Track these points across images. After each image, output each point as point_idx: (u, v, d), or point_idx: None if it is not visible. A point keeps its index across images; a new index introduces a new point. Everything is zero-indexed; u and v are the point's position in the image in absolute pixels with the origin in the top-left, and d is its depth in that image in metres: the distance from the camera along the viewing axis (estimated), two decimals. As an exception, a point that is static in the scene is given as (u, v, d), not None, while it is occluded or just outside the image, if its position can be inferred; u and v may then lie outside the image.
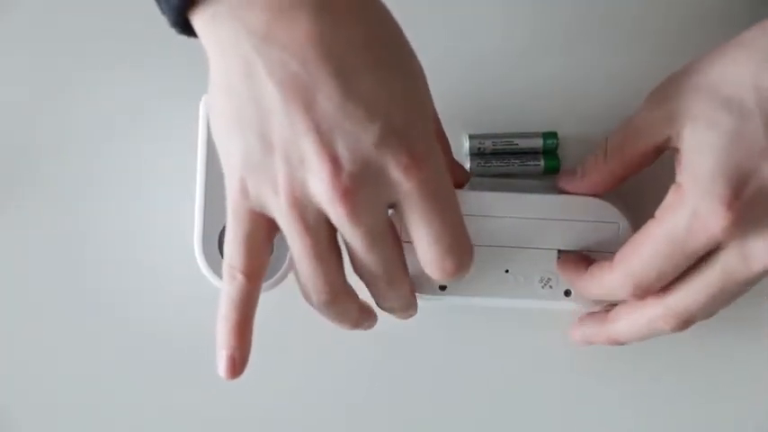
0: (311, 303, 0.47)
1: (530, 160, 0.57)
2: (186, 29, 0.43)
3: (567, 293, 0.54)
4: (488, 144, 0.57)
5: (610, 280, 0.50)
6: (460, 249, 0.45)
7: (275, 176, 0.43)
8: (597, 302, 0.53)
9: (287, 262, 0.52)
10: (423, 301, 0.55)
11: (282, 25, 0.41)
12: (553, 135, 0.57)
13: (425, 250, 0.44)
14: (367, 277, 0.46)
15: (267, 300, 0.53)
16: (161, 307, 0.57)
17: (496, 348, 0.58)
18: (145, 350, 0.57)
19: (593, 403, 0.58)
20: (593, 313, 0.54)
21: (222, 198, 0.52)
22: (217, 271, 0.53)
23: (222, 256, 0.52)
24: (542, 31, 0.58)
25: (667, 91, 0.49)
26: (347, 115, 0.41)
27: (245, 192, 0.44)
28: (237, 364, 0.46)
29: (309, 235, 0.44)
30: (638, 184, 0.55)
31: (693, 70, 0.48)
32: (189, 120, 0.54)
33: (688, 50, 0.56)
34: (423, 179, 0.43)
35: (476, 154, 0.57)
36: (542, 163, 0.57)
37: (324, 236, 0.44)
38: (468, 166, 0.57)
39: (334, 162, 0.42)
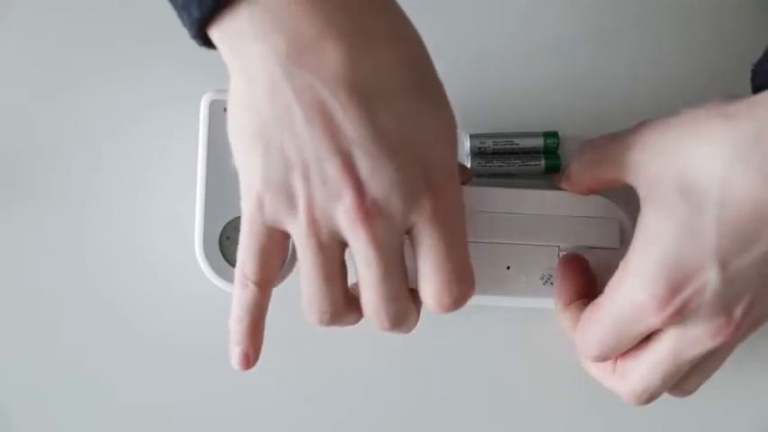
0: (311, 321, 0.47)
1: (530, 160, 0.57)
2: (206, 42, 0.44)
3: (569, 291, 0.55)
4: (489, 144, 0.57)
5: (575, 335, 0.51)
6: (461, 283, 0.46)
7: (295, 195, 0.43)
8: None
9: (285, 265, 0.52)
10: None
11: (312, 50, 0.41)
12: (554, 135, 0.57)
13: (427, 279, 0.45)
14: (374, 313, 0.46)
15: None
16: (161, 307, 0.57)
17: (497, 345, 0.58)
18: (145, 350, 0.57)
19: (594, 400, 0.58)
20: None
21: (223, 197, 0.52)
22: (218, 270, 0.53)
23: (223, 255, 0.53)
24: (543, 30, 0.58)
25: (644, 141, 0.48)
26: (372, 142, 0.42)
27: (261, 208, 0.44)
28: (251, 358, 0.48)
29: (323, 253, 0.44)
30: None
31: (671, 134, 0.47)
32: (190, 120, 0.54)
33: (688, 49, 0.57)
34: (439, 207, 0.44)
35: (477, 153, 0.57)
36: (543, 162, 0.57)
37: (335, 255, 0.45)
38: (468, 165, 0.57)
39: (358, 186, 0.42)
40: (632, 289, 0.46)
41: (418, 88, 0.43)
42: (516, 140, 0.57)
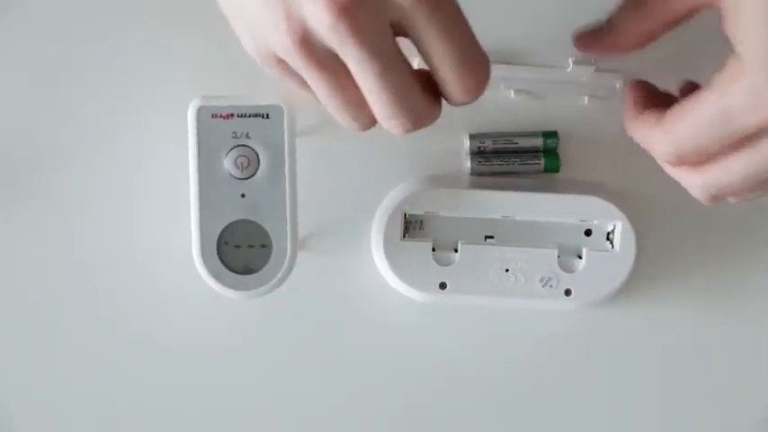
0: (349, 129, 0.45)
1: (530, 159, 0.57)
2: None
3: (568, 293, 0.55)
4: (489, 143, 0.57)
5: (652, 135, 0.46)
6: (479, 62, 0.43)
7: (276, 20, 0.41)
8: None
9: (284, 269, 0.52)
10: (423, 300, 0.55)
11: None
12: (553, 134, 0.57)
13: (442, 70, 0.42)
14: (389, 119, 0.43)
15: (266, 301, 0.53)
16: (161, 308, 0.57)
17: (496, 348, 0.58)
18: (144, 351, 0.57)
19: (592, 403, 0.58)
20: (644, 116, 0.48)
21: (218, 202, 0.52)
22: (216, 275, 0.52)
23: (221, 260, 0.52)
24: (542, 27, 0.58)
25: None
26: None
27: (258, 50, 0.43)
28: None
29: (325, 68, 0.42)
30: (640, 183, 0.55)
31: None
32: (186, 124, 0.54)
33: (689, 48, 0.56)
34: None
35: (476, 153, 0.57)
36: (543, 162, 0.57)
37: (340, 68, 0.42)
38: (468, 165, 0.57)
39: None
40: (754, 75, 0.41)
41: None
42: (516, 140, 0.57)
